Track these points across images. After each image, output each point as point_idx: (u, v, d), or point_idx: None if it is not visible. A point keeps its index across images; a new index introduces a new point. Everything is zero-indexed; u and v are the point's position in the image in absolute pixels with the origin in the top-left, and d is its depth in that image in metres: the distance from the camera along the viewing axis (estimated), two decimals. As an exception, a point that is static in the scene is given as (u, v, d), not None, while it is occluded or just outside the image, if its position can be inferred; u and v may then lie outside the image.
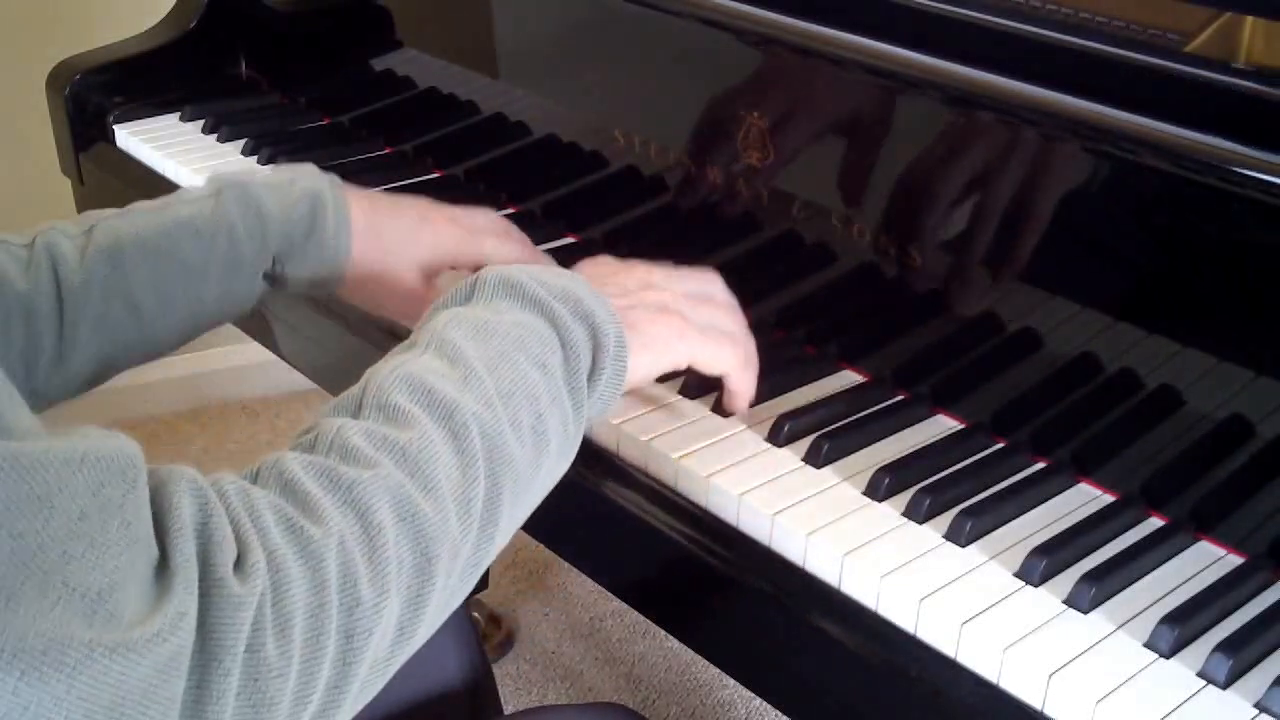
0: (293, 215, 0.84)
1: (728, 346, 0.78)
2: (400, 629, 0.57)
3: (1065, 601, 0.71)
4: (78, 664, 0.44)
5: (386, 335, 0.99)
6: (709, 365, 0.78)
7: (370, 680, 0.56)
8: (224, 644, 0.49)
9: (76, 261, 0.79)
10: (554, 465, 0.68)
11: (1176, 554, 0.75)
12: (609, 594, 1.29)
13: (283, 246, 0.84)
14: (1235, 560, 0.75)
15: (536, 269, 0.71)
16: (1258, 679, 0.66)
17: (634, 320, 0.73)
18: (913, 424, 0.86)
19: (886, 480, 0.78)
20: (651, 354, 0.74)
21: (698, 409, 0.86)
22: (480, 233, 0.92)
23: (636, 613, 1.09)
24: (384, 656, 0.57)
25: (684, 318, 0.76)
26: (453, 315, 0.67)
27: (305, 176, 0.87)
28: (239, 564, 0.51)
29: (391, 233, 0.88)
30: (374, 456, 0.58)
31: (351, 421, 0.60)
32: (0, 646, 0.43)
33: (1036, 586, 0.72)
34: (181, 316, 0.83)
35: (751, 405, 0.83)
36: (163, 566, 0.49)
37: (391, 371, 0.63)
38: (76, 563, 0.45)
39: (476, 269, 0.75)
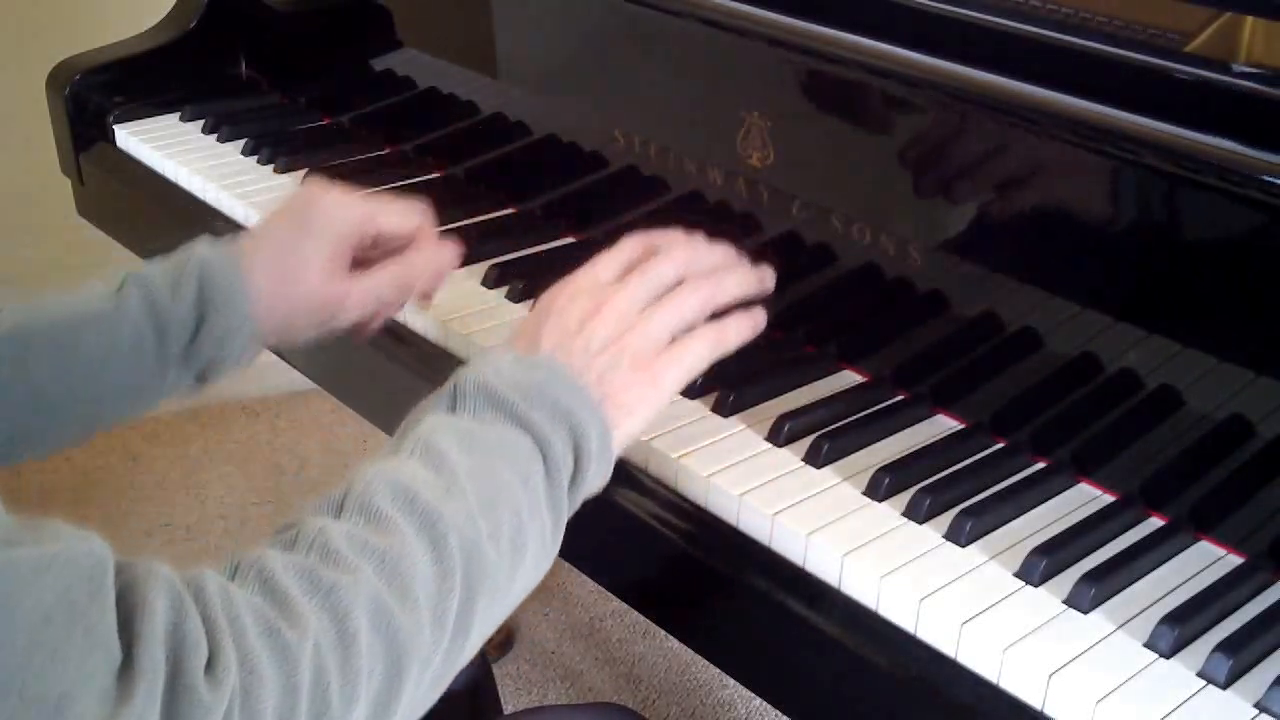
0: (184, 301, 0.80)
1: (693, 353, 0.75)
2: None
3: (1065, 601, 0.71)
4: None
5: (384, 333, 0.99)
6: (698, 372, 0.76)
7: None
8: None
9: None
10: (529, 575, 0.67)
11: (1176, 554, 0.75)
12: (609, 594, 1.29)
13: (183, 335, 0.81)
14: (1235, 560, 0.75)
15: (510, 367, 0.70)
16: (1258, 679, 0.66)
17: (612, 392, 0.72)
18: (913, 424, 0.86)
19: (886, 480, 0.78)
20: (636, 416, 0.73)
21: (698, 409, 0.86)
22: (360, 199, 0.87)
23: (636, 613, 1.09)
24: None
25: (654, 363, 0.73)
26: (439, 422, 0.67)
27: (198, 252, 0.82)
28: (210, 665, 0.50)
29: (278, 262, 0.83)
30: (354, 561, 0.58)
31: (334, 522, 0.60)
32: None
33: (1036, 586, 0.72)
34: (82, 408, 0.80)
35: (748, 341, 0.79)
36: (127, 668, 0.48)
37: (377, 475, 0.62)
38: (36, 671, 0.45)
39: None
